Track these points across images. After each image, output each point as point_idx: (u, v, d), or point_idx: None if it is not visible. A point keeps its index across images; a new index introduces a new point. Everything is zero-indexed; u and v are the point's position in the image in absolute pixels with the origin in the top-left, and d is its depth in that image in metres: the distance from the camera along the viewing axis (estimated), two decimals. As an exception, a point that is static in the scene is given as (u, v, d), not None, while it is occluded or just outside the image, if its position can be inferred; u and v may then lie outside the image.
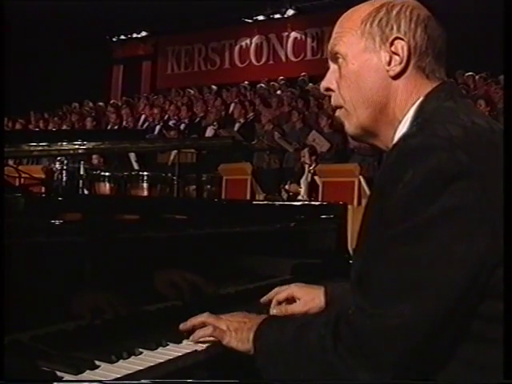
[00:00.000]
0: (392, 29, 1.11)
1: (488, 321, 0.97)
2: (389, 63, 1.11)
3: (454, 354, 0.98)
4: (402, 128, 1.11)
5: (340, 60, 1.16)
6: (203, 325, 1.26)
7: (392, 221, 0.97)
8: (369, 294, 1.00)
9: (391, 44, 1.11)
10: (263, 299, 1.55)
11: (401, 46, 1.10)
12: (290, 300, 1.52)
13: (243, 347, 1.18)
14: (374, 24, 1.12)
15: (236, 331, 1.21)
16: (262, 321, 1.20)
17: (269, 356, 1.13)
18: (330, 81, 1.19)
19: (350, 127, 1.19)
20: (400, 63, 1.11)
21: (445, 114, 1.05)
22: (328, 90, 1.20)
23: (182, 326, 1.29)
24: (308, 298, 1.49)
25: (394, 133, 1.12)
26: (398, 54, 1.11)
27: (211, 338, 1.25)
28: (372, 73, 1.12)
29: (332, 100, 1.20)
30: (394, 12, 1.11)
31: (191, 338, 1.26)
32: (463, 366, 0.98)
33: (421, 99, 1.11)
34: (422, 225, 0.94)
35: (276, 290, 1.55)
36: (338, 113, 1.20)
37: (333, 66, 1.19)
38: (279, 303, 1.52)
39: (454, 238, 0.94)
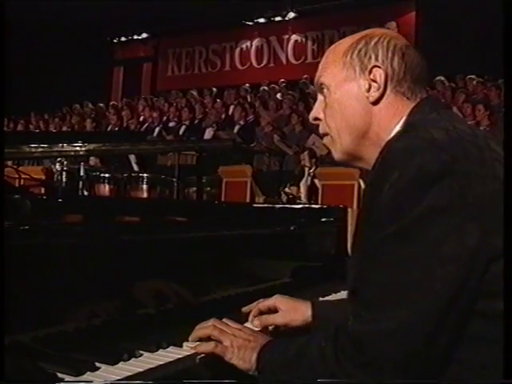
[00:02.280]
0: (370, 58, 1.18)
1: (486, 320, 0.97)
2: (368, 90, 1.18)
3: (454, 354, 0.98)
4: None
5: (325, 90, 1.24)
6: (208, 336, 1.25)
7: (380, 223, 0.99)
8: (364, 299, 1.01)
9: (370, 72, 1.18)
10: (244, 309, 1.52)
11: (379, 74, 1.17)
12: (273, 311, 1.49)
13: (244, 366, 1.18)
14: (354, 55, 1.19)
15: (239, 349, 1.20)
16: (267, 342, 1.20)
17: (272, 377, 1.13)
18: (317, 111, 1.27)
19: (335, 153, 1.25)
20: (378, 89, 1.17)
21: (428, 121, 1.09)
22: (316, 119, 1.27)
23: (190, 338, 1.28)
24: (290, 309, 1.47)
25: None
26: (376, 81, 1.17)
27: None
28: (353, 100, 1.19)
29: (320, 128, 1.27)
30: (373, 43, 1.18)
31: (193, 347, 1.25)
32: (463, 366, 0.98)
33: (405, 116, 1.16)
34: (410, 225, 0.96)
35: (259, 301, 1.52)
36: (324, 140, 1.27)
37: (320, 97, 1.27)
38: (261, 313, 1.49)
39: (442, 236, 0.95)
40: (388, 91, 1.17)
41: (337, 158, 1.25)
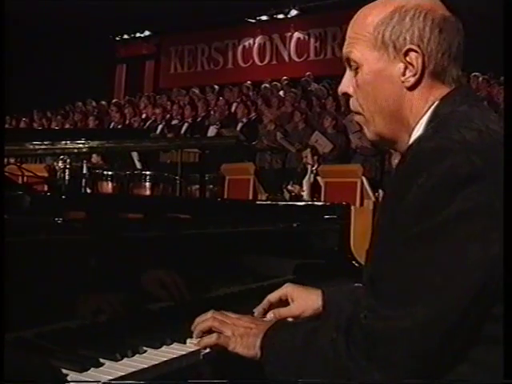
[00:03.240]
0: (405, 39, 1.09)
1: (501, 321, 0.96)
2: (403, 74, 1.10)
3: (466, 355, 0.98)
4: (417, 132, 1.11)
5: (355, 68, 1.15)
6: (210, 329, 1.25)
7: (406, 223, 0.97)
8: (381, 295, 1.00)
9: (405, 54, 1.09)
10: (257, 312, 1.49)
11: (415, 57, 1.09)
12: (284, 301, 1.49)
13: (249, 353, 1.17)
14: (386, 33, 1.10)
15: (242, 337, 1.19)
16: (270, 327, 1.19)
17: (278, 362, 1.12)
18: (347, 86, 1.18)
19: (368, 134, 1.19)
20: (414, 74, 1.10)
21: (459, 118, 1.05)
22: (345, 94, 1.20)
23: (194, 335, 1.28)
24: (302, 300, 1.47)
25: (409, 137, 1.12)
26: (412, 65, 1.09)
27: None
28: (387, 84, 1.12)
29: (351, 105, 1.20)
30: (407, 19, 1.09)
31: (196, 343, 1.25)
32: (474, 367, 0.98)
33: (436, 103, 1.10)
34: (436, 227, 0.95)
35: (268, 296, 1.51)
36: (356, 118, 1.20)
37: (349, 71, 1.18)
38: (271, 304, 1.49)
39: (467, 240, 0.94)
40: (425, 75, 1.09)
41: (369, 139, 1.20)
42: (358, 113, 1.19)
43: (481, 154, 0.95)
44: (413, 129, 1.12)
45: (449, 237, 0.94)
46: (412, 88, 1.11)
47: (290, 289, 1.50)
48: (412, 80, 1.10)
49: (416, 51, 1.09)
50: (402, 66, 1.10)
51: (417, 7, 1.09)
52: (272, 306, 1.49)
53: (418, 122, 1.11)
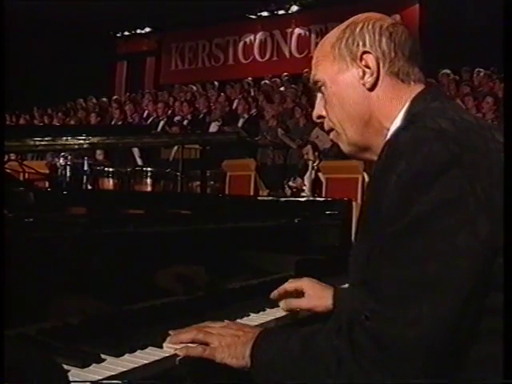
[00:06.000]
0: (358, 45, 1.18)
1: (495, 314, 0.95)
2: (362, 77, 1.17)
3: (470, 351, 0.96)
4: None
5: (321, 87, 1.23)
6: (192, 341, 1.19)
7: (390, 217, 0.97)
8: (380, 296, 0.97)
9: (361, 59, 1.17)
10: (273, 296, 1.54)
11: (370, 59, 1.16)
12: (299, 293, 1.52)
13: (238, 363, 1.12)
14: (342, 46, 1.19)
15: (229, 347, 1.13)
16: (259, 334, 1.14)
17: (271, 370, 1.08)
18: (319, 109, 1.26)
19: (343, 146, 1.25)
20: (372, 74, 1.16)
21: (433, 111, 1.08)
22: (320, 117, 1.26)
23: (169, 339, 1.21)
24: (316, 296, 1.49)
25: (384, 140, 1.12)
26: (368, 67, 1.16)
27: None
28: (350, 90, 1.18)
29: (324, 125, 1.26)
30: (358, 29, 1.18)
31: (179, 352, 1.15)
32: (479, 362, 0.96)
33: (407, 104, 1.14)
34: (420, 218, 0.94)
35: (289, 281, 1.56)
36: (331, 136, 1.26)
37: (318, 95, 1.26)
38: (287, 293, 1.53)
39: (455, 227, 0.93)
40: (382, 74, 1.16)
41: (345, 151, 1.25)
42: (330, 130, 1.25)
43: (457, 141, 0.97)
44: (387, 132, 1.14)
45: (435, 226, 0.93)
46: (373, 88, 1.17)
47: (307, 283, 1.53)
48: (371, 80, 1.17)
49: (369, 52, 1.16)
50: (360, 70, 1.18)
51: (366, 19, 1.20)
52: (286, 294, 1.53)
53: (391, 125, 1.14)
